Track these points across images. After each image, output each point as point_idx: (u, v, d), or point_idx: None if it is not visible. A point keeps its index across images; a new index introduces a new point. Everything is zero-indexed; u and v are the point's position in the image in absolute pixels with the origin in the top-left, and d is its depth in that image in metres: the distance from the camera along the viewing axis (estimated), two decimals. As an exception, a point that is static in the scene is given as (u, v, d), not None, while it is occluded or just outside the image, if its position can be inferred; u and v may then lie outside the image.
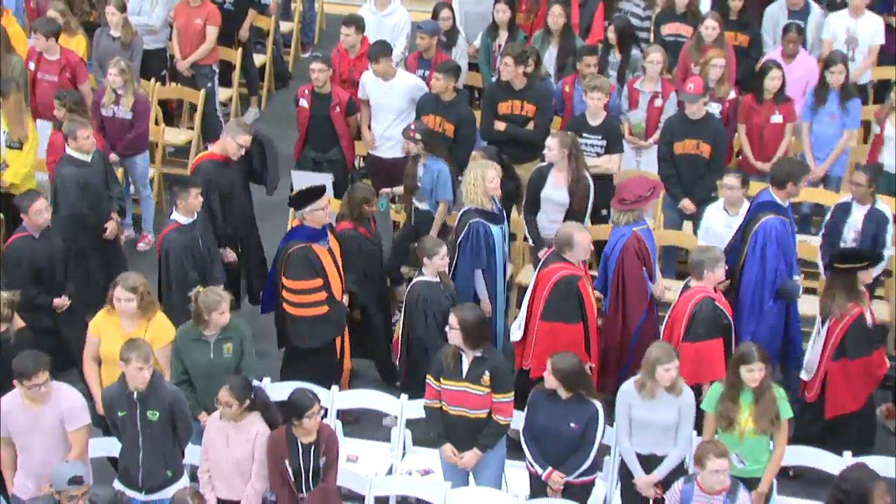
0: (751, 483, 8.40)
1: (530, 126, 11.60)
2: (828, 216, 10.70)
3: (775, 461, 8.68)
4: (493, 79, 12.23)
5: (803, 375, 9.64)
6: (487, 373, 8.71)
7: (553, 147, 10.61)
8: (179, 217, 9.99)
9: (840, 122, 11.74)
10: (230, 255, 10.70)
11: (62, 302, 10.14)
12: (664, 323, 9.57)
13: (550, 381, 8.54)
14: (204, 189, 10.12)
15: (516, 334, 9.85)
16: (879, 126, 11.50)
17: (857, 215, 10.44)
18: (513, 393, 8.84)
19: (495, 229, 10.17)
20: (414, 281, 9.74)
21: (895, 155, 11.35)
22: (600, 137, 11.35)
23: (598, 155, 11.35)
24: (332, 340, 9.98)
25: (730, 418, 8.59)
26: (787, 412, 8.66)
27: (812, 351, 9.59)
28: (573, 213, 10.60)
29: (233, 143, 10.57)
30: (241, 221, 10.84)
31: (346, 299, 10.07)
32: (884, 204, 10.55)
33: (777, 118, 11.63)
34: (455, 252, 10.07)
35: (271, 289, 10.20)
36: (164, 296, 9.96)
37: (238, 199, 10.76)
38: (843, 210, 10.52)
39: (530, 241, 10.90)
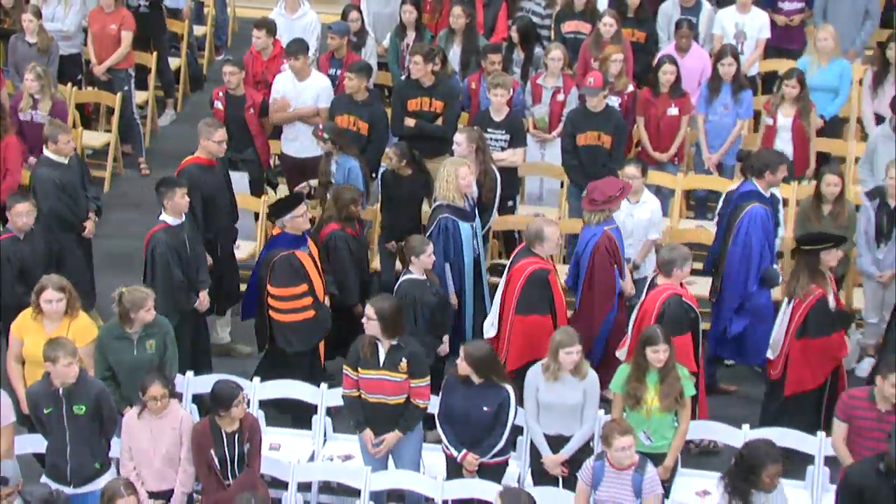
0: (658, 458, 8.44)
1: (439, 122, 11.62)
2: (721, 201, 10.75)
3: (680, 437, 8.73)
4: (403, 77, 12.23)
5: (769, 354, 9.67)
6: (404, 360, 8.72)
7: (462, 142, 10.62)
8: (167, 218, 9.85)
9: (733, 113, 11.85)
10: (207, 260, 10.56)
11: None
12: (632, 319, 9.52)
13: (464, 368, 8.54)
14: (188, 192, 9.96)
15: (490, 331, 9.76)
16: (771, 117, 11.61)
17: (752, 200, 10.55)
18: (429, 377, 8.85)
19: (464, 226, 10.15)
20: (402, 279, 9.65)
21: (789, 142, 11.49)
22: (504, 132, 11.38)
23: (503, 149, 11.39)
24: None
25: (637, 398, 8.62)
26: (690, 390, 8.72)
27: (777, 330, 9.61)
28: (482, 205, 10.63)
29: (211, 143, 10.49)
30: (223, 225, 10.73)
31: (327, 301, 9.98)
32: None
33: (673, 111, 11.70)
34: None
35: (251, 296, 10.12)
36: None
37: (221, 202, 10.64)
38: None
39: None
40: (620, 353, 9.49)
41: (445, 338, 9.75)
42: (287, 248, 9.74)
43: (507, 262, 9.92)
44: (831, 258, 9.38)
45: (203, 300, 10.01)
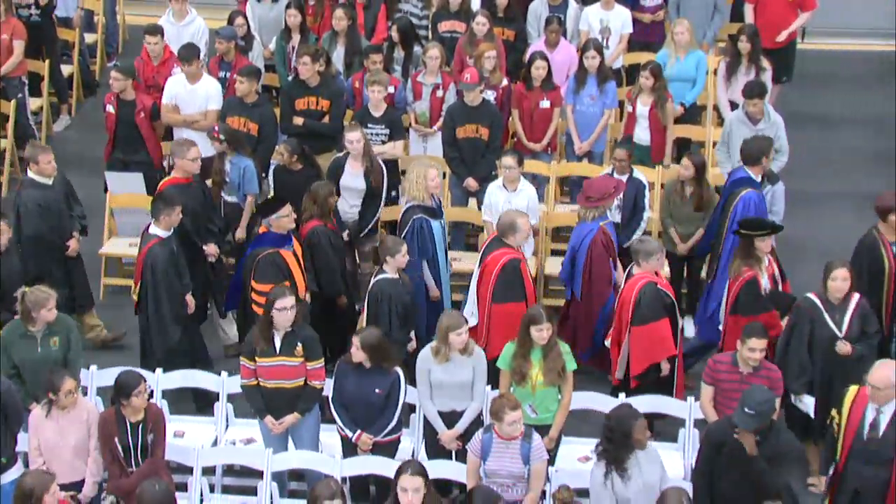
0: (543, 430, 8.49)
1: (326, 120, 11.58)
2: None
3: (563, 409, 8.80)
4: (290, 78, 12.16)
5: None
6: (300, 344, 8.70)
7: (359, 139, 10.64)
8: (159, 231, 9.71)
9: (600, 103, 11.94)
10: (212, 250, 10.49)
11: None
12: (615, 307, 9.56)
13: (358, 356, 8.54)
14: None
15: (471, 320, 9.60)
16: (631, 105, 11.77)
17: (620, 185, 10.67)
18: (323, 360, 8.84)
19: (435, 223, 10.10)
20: (377, 278, 9.51)
21: (647, 130, 11.64)
22: (383, 126, 11.40)
23: (383, 142, 11.40)
24: None
25: (522, 373, 8.67)
26: (571, 365, 8.79)
27: (722, 307, 9.72)
28: (372, 196, 10.64)
29: (186, 161, 10.34)
30: (211, 235, 10.59)
31: (308, 297, 9.83)
32: (640, 173, 10.83)
33: (545, 103, 11.77)
34: None
35: (234, 289, 10.02)
36: (151, 306, 9.66)
37: (204, 216, 10.47)
38: (606, 181, 10.73)
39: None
40: (606, 342, 9.59)
41: (412, 335, 9.62)
42: (272, 246, 9.64)
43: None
44: (765, 245, 9.39)
45: (189, 303, 9.90)
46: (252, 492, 8.75)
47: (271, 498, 8.68)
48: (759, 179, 10.22)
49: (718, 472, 7.91)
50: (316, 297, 10.00)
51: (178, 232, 9.87)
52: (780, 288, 9.57)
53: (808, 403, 8.87)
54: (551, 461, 8.58)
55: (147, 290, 9.66)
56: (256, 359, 8.76)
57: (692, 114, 12.49)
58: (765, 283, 9.41)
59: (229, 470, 9.26)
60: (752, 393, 7.88)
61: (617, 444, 7.75)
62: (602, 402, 9.25)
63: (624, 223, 10.57)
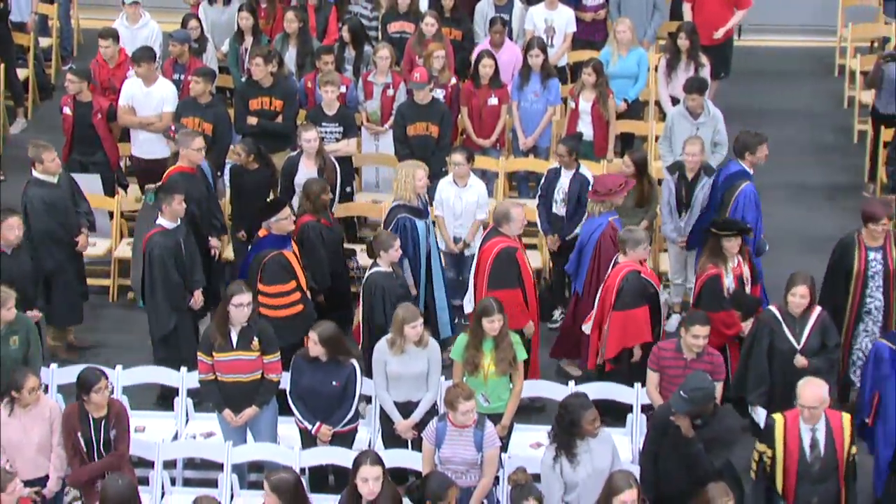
0: (495, 418, 8.51)
1: (279, 119, 11.55)
2: (542, 181, 10.93)
3: (515, 398, 8.82)
4: (243, 79, 12.11)
5: None
6: (255, 338, 8.69)
7: (316, 138, 10.63)
8: (164, 222, 9.63)
9: (543, 99, 11.96)
10: (214, 243, 10.47)
11: (35, 315, 9.59)
12: (599, 294, 9.53)
13: (315, 350, 8.52)
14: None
15: (467, 307, 9.69)
16: (574, 102, 11.81)
17: (565, 179, 10.67)
18: (279, 353, 8.83)
19: (420, 223, 10.05)
20: (371, 272, 9.47)
21: (590, 126, 11.69)
22: (337, 125, 11.39)
23: (337, 140, 11.38)
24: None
25: (475, 364, 8.68)
26: (522, 355, 8.82)
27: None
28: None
29: (191, 151, 10.24)
30: (212, 226, 10.53)
31: (309, 294, 9.77)
32: (585, 168, 10.85)
33: (493, 100, 11.79)
34: None
35: None
36: (147, 293, 9.60)
37: (206, 206, 10.38)
38: (555, 174, 10.75)
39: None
40: (586, 328, 9.57)
41: None
42: (274, 248, 9.56)
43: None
44: (731, 245, 9.30)
45: (197, 299, 9.81)
46: (213, 484, 8.71)
47: (232, 490, 8.65)
48: (751, 171, 10.23)
49: (663, 455, 7.97)
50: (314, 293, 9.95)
51: (188, 224, 9.81)
52: (747, 290, 9.45)
53: (760, 416, 8.71)
54: (504, 448, 8.61)
55: (146, 278, 9.61)
56: (214, 354, 8.72)
57: (635, 109, 12.55)
58: (729, 282, 9.34)
59: (190, 463, 9.22)
60: (690, 379, 7.95)
61: (566, 431, 7.79)
62: (553, 391, 9.31)
63: (568, 217, 10.60)
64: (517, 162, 12.06)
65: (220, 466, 8.69)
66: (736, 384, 8.95)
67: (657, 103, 12.76)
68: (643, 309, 9.28)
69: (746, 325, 9.18)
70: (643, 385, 8.97)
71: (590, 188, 10.50)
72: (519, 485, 7.46)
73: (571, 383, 9.21)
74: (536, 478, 7.88)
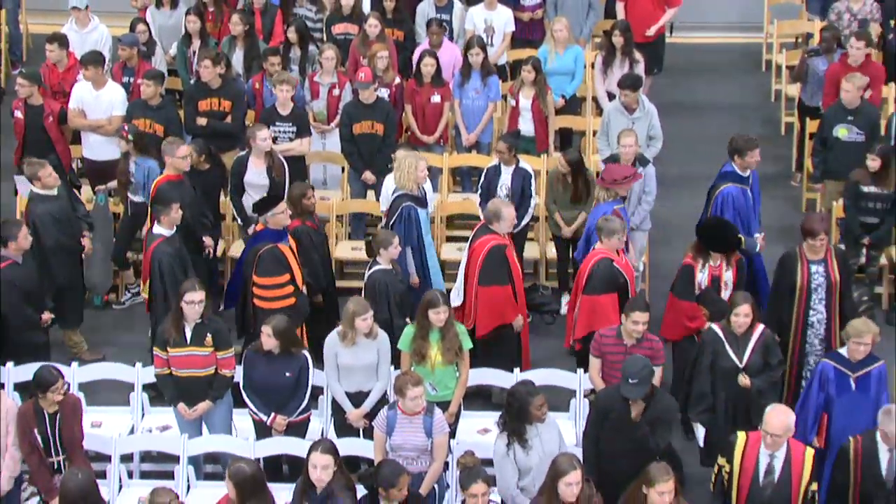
0: (443, 406, 8.54)
1: (228, 120, 11.49)
2: (482, 179, 10.94)
3: (461, 385, 8.86)
4: (192, 81, 12.03)
5: None
6: (209, 335, 8.65)
7: (269, 136, 10.61)
8: (163, 230, 9.59)
9: (484, 97, 11.99)
10: (208, 241, 10.41)
11: (48, 317, 9.60)
12: (573, 279, 9.49)
13: (269, 343, 8.50)
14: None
15: (456, 300, 9.66)
16: (514, 99, 11.85)
17: (506, 175, 10.71)
18: (233, 349, 8.79)
19: (422, 212, 10.05)
20: (373, 270, 9.45)
21: (530, 122, 11.73)
22: (291, 124, 11.34)
23: (291, 139, 11.34)
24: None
25: (422, 354, 8.71)
26: (467, 344, 8.86)
27: None
28: (275, 191, 10.50)
29: (177, 159, 10.16)
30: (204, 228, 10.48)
31: (304, 289, 9.70)
32: (525, 163, 10.90)
33: (436, 98, 11.81)
34: None
35: (234, 287, 9.87)
36: (159, 305, 9.49)
37: (196, 210, 10.29)
38: (495, 171, 10.78)
39: (239, 221, 10.81)
40: (563, 309, 9.58)
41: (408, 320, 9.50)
42: (270, 241, 9.52)
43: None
44: (716, 254, 9.20)
45: None
46: (169, 476, 8.66)
47: (188, 481, 8.61)
48: (745, 174, 10.11)
49: (605, 437, 8.02)
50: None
51: (180, 228, 9.77)
52: (724, 294, 9.18)
53: (700, 434, 8.63)
54: (452, 434, 8.64)
55: (156, 287, 9.55)
56: (168, 349, 8.68)
57: (573, 105, 12.62)
58: (701, 278, 9.23)
59: (147, 456, 9.17)
60: (631, 364, 7.99)
61: (515, 418, 7.83)
62: (498, 378, 9.35)
63: (515, 210, 10.62)
64: (460, 157, 12.08)
65: (176, 459, 8.65)
66: (680, 401, 8.71)
67: (594, 99, 12.81)
68: (611, 296, 9.25)
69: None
70: (586, 371, 9.03)
71: (532, 182, 10.57)
72: (467, 468, 7.50)
73: (517, 370, 9.25)
74: (484, 462, 7.92)
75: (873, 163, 10.36)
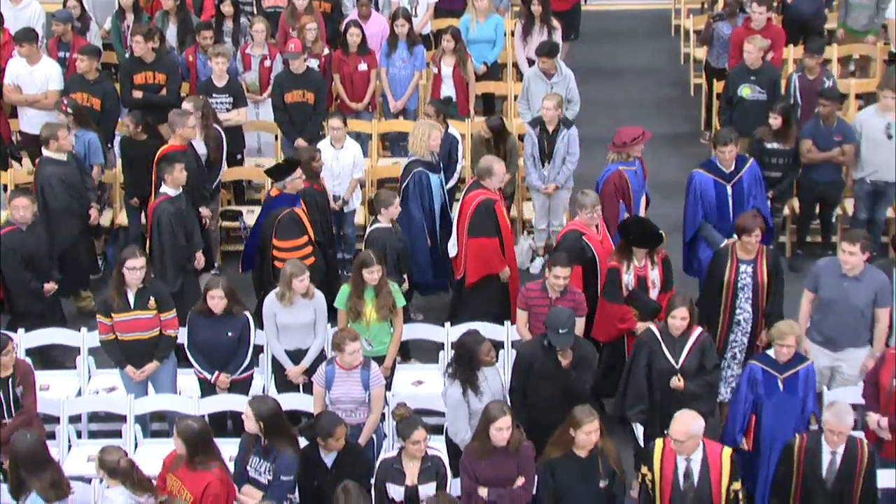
0: (379, 360, 8.57)
1: (163, 93, 11.38)
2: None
3: (395, 341, 8.90)
4: (126, 55, 11.88)
5: None
6: (152, 298, 8.63)
7: (191, 110, 10.43)
8: (168, 190, 9.50)
9: (410, 65, 11.99)
10: (205, 212, 10.24)
11: (51, 287, 9.45)
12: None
13: (220, 304, 8.51)
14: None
15: (452, 251, 9.67)
16: (437, 67, 11.86)
17: (435, 139, 10.75)
18: (175, 310, 8.77)
19: (434, 177, 10.00)
20: (373, 228, 9.45)
21: (452, 88, 11.74)
22: (227, 95, 11.28)
23: (228, 110, 11.27)
24: None
25: (357, 311, 8.73)
26: (401, 301, 8.89)
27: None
28: (210, 163, 10.49)
29: (187, 129, 10.08)
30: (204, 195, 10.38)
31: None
32: (453, 128, 10.93)
33: (363, 66, 11.79)
34: (399, 196, 9.77)
35: (250, 251, 9.83)
36: (157, 260, 9.41)
37: (198, 179, 10.15)
38: (424, 136, 10.80)
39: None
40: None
41: (405, 277, 9.55)
42: (287, 206, 9.47)
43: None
44: (637, 249, 8.82)
45: (199, 259, 9.71)
46: (117, 435, 8.63)
47: (136, 439, 8.59)
48: (727, 169, 9.69)
49: (533, 387, 8.10)
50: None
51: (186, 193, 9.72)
52: (653, 294, 8.83)
53: (639, 434, 8.24)
54: (388, 386, 8.70)
55: (154, 243, 9.51)
56: (113, 315, 8.64)
57: (494, 71, 12.67)
58: (628, 279, 8.84)
59: (94, 417, 9.11)
60: (556, 316, 8.05)
61: (466, 366, 7.90)
62: (431, 333, 9.42)
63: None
64: (388, 124, 12.07)
65: (123, 418, 8.61)
66: (616, 402, 8.43)
67: (515, 65, 12.88)
68: (576, 268, 8.91)
69: (642, 326, 8.63)
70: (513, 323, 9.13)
71: (459, 146, 10.61)
72: (405, 418, 7.56)
73: (447, 325, 9.31)
74: (418, 412, 7.98)
75: (775, 121, 10.54)
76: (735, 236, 9.04)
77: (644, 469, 7.42)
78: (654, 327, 8.29)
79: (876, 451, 7.78)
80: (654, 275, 8.87)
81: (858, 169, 10.67)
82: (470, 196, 9.66)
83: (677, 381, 8.08)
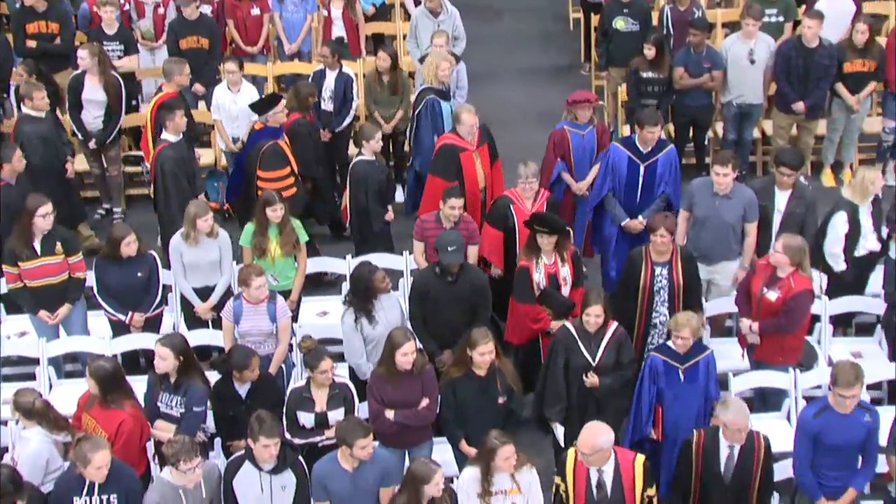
0: (284, 294, 8.52)
1: (57, 42, 11.03)
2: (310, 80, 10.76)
3: (300, 275, 8.84)
4: (17, 5, 11.44)
5: None
6: (58, 243, 8.46)
7: (85, 57, 10.19)
8: (169, 136, 9.33)
9: (302, 9, 11.78)
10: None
11: None
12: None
13: (133, 249, 8.34)
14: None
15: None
16: (326, 10, 11.66)
17: (330, 79, 10.56)
18: (81, 253, 8.63)
19: (444, 104, 9.90)
20: (357, 160, 9.34)
21: (343, 30, 11.56)
22: (118, 43, 10.99)
23: (120, 58, 11.00)
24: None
25: (262, 248, 8.65)
26: (304, 237, 8.82)
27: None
28: (111, 111, 10.25)
29: (183, 77, 10.02)
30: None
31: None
32: (347, 67, 10.78)
33: (255, 11, 11.55)
34: (414, 122, 9.87)
35: (235, 181, 9.81)
36: (162, 205, 9.20)
37: (192, 123, 9.99)
38: (320, 75, 10.62)
39: (79, 136, 10.44)
40: None
41: (389, 207, 9.48)
42: (271, 138, 9.37)
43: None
44: (543, 241, 8.24)
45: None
46: (31, 377, 8.46)
47: (50, 381, 8.42)
48: (644, 150, 9.06)
49: (430, 314, 8.12)
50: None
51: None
52: (564, 290, 8.32)
53: (559, 432, 7.81)
54: (294, 318, 8.65)
55: (159, 188, 9.30)
56: (21, 264, 8.42)
57: (383, 12, 12.51)
58: (539, 278, 8.27)
59: (7, 361, 8.86)
60: (445, 237, 8.13)
61: (362, 296, 7.88)
62: (335, 266, 9.36)
63: (336, 111, 10.56)
64: (284, 66, 11.87)
65: (36, 361, 8.44)
66: (536, 401, 7.93)
67: (402, 5, 12.73)
68: (496, 232, 8.82)
69: (557, 324, 8.13)
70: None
71: (353, 85, 10.47)
72: (311, 350, 7.53)
73: (349, 257, 9.27)
74: (323, 341, 7.95)
75: (649, 51, 10.63)
76: (639, 217, 8.98)
77: (557, 479, 6.96)
78: (569, 324, 7.79)
79: (751, 352, 7.98)
80: (565, 271, 8.31)
81: (726, 93, 10.85)
82: (439, 139, 9.59)
83: (591, 379, 7.65)
